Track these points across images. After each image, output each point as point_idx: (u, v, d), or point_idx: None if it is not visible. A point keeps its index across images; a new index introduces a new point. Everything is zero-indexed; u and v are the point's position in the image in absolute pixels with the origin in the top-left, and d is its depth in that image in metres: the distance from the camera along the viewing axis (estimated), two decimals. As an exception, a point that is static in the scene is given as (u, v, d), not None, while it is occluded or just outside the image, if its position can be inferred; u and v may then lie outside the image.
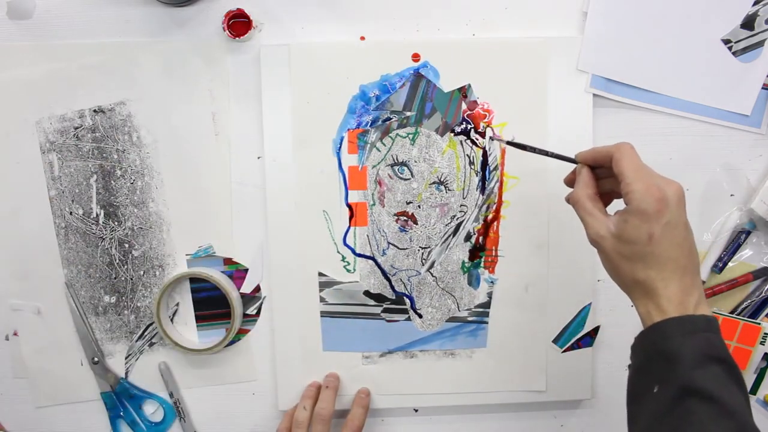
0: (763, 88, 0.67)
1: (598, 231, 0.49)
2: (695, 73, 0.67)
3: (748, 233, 0.68)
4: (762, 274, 0.69)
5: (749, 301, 0.69)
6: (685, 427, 0.42)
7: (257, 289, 0.69)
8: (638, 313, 0.48)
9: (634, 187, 0.46)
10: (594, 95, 0.67)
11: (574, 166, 0.55)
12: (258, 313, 0.69)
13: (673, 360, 0.44)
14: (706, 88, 0.67)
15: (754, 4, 0.65)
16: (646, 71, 0.66)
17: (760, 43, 0.66)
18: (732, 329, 0.68)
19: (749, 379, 0.69)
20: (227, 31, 0.64)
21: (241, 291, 0.69)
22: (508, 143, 0.61)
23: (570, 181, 0.55)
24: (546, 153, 0.58)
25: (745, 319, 0.68)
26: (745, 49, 0.66)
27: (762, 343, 0.68)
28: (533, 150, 0.58)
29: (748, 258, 0.69)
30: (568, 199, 0.53)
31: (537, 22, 0.67)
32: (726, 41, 0.66)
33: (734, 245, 0.68)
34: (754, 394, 0.70)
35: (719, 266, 0.68)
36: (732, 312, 0.69)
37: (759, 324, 0.68)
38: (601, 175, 0.53)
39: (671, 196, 0.46)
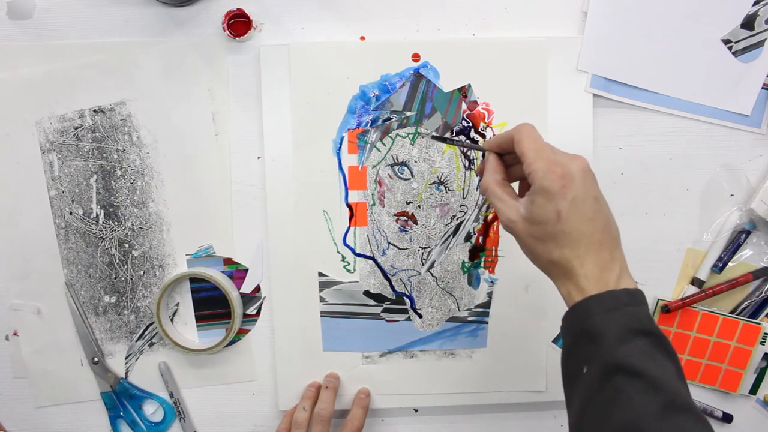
0: (763, 88, 0.67)
1: (508, 216, 0.47)
2: (695, 73, 0.67)
3: (748, 233, 0.68)
4: (762, 274, 0.69)
5: (749, 301, 0.69)
6: (613, 406, 0.41)
7: (257, 289, 0.69)
8: (560, 294, 0.47)
9: (535, 167, 0.45)
10: (594, 95, 0.67)
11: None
12: (258, 313, 0.69)
13: (597, 338, 0.43)
14: (706, 88, 0.67)
15: (754, 4, 0.65)
16: (646, 71, 0.66)
17: (760, 43, 0.66)
18: (732, 329, 0.68)
19: (749, 379, 0.69)
20: (227, 31, 0.64)
21: (241, 291, 0.69)
22: (433, 137, 0.64)
23: (481, 171, 0.54)
24: (461, 143, 0.59)
25: (745, 319, 0.68)
26: (745, 49, 0.66)
27: (762, 343, 0.68)
28: (452, 142, 0.59)
29: (748, 258, 0.69)
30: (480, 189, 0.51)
31: (537, 22, 0.67)
32: (726, 41, 0.66)
33: (734, 245, 0.68)
34: (754, 394, 0.70)
35: (719, 266, 0.68)
36: (732, 312, 0.69)
37: (759, 324, 0.68)
38: (512, 162, 0.52)
39: (575, 171, 0.44)
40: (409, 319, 0.69)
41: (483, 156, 0.55)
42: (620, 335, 0.42)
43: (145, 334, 0.70)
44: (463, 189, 0.67)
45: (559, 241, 0.45)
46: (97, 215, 0.68)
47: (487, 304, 0.69)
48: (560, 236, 0.45)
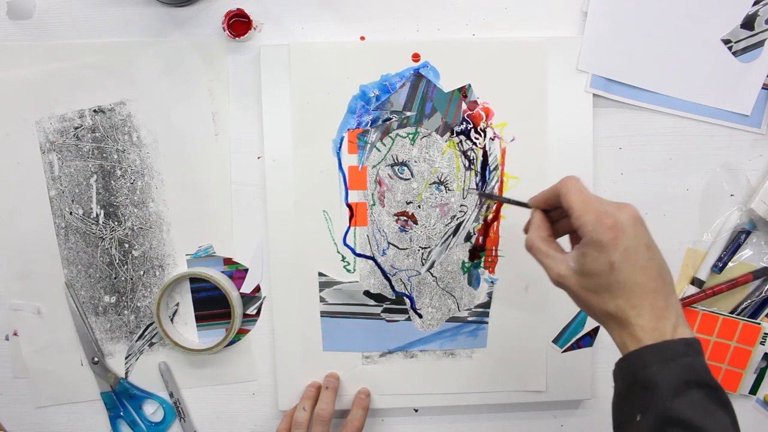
0: (763, 88, 0.67)
1: (558, 271, 0.47)
2: (695, 73, 0.67)
3: (748, 233, 0.68)
4: (762, 274, 0.69)
5: (749, 301, 0.69)
6: None
7: (257, 289, 0.69)
8: (615, 343, 0.46)
9: (584, 219, 0.45)
10: (594, 95, 0.67)
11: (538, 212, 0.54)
12: (258, 313, 0.69)
13: (652, 389, 0.42)
14: (706, 88, 0.67)
15: (754, 4, 0.65)
16: (646, 71, 0.66)
17: (760, 43, 0.66)
18: (732, 329, 0.68)
19: (749, 379, 0.69)
20: (227, 31, 0.64)
21: (241, 291, 0.69)
22: (480, 195, 0.66)
23: (527, 229, 0.54)
24: (508, 200, 0.58)
25: (745, 319, 0.68)
26: (745, 49, 0.66)
27: (762, 343, 0.68)
28: (498, 198, 0.64)
29: (748, 258, 0.69)
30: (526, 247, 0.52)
31: (537, 22, 0.67)
32: (726, 41, 0.66)
33: (734, 245, 0.68)
34: (754, 394, 0.70)
35: (719, 266, 0.68)
36: (732, 312, 0.69)
37: (759, 324, 0.68)
38: (557, 217, 0.53)
39: (625, 220, 0.45)
40: (409, 319, 0.69)
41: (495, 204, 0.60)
42: (676, 387, 0.42)
43: (145, 334, 0.70)
44: (463, 189, 0.67)
45: (613, 292, 0.45)
46: (97, 215, 0.68)
47: (487, 304, 0.69)
48: (614, 287, 0.44)
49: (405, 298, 0.69)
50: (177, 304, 0.69)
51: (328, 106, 0.66)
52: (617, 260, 0.44)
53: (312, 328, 0.68)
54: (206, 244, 0.69)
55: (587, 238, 0.45)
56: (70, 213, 0.68)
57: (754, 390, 0.70)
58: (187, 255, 0.69)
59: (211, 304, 0.69)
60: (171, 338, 0.67)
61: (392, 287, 0.69)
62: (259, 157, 0.68)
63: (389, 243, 0.68)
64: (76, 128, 0.67)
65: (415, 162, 0.67)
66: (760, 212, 0.67)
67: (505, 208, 0.67)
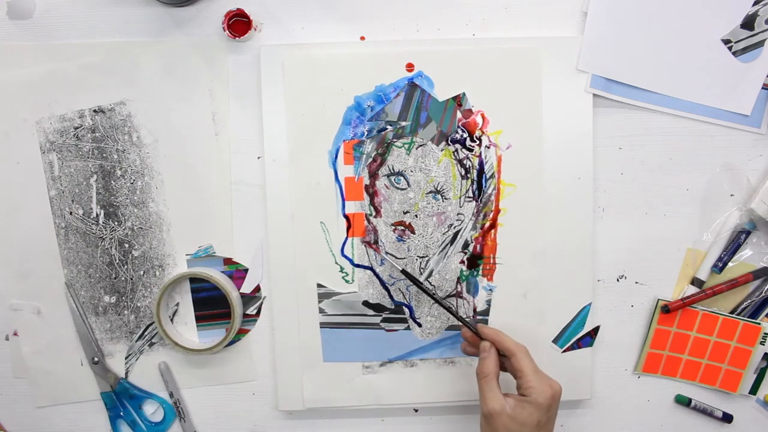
0: (763, 88, 0.67)
1: (494, 406, 0.57)
2: (695, 73, 0.67)
3: (748, 233, 0.68)
4: (762, 274, 0.69)
5: (749, 301, 0.69)
6: None
7: (257, 289, 0.69)
8: None
9: (533, 384, 0.57)
10: (594, 95, 0.67)
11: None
12: (258, 313, 0.69)
13: None
14: (706, 88, 0.67)
15: (754, 4, 0.65)
16: (646, 71, 0.66)
17: (760, 43, 0.66)
18: (732, 329, 0.68)
19: (749, 379, 0.69)
20: (227, 31, 0.64)
21: (241, 291, 0.69)
22: (402, 271, 0.66)
23: (470, 343, 0.64)
24: (462, 320, 0.64)
25: (745, 319, 0.68)
26: (745, 49, 0.66)
27: (762, 343, 0.68)
28: (432, 298, 0.65)
29: (748, 258, 0.69)
30: (477, 371, 0.60)
31: (537, 22, 0.67)
32: (726, 41, 0.66)
33: (734, 245, 0.68)
34: (754, 394, 0.70)
35: (719, 266, 0.68)
36: (732, 312, 0.69)
37: (759, 324, 0.68)
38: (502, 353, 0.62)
39: (557, 393, 0.58)
40: (408, 328, 0.69)
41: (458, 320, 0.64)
42: None
43: (145, 334, 0.70)
44: (460, 198, 0.67)
45: None
46: (97, 215, 0.68)
47: (486, 312, 0.68)
48: None
49: (404, 307, 0.69)
50: (177, 304, 0.69)
51: (323, 117, 0.66)
52: (543, 421, 0.57)
53: (312, 339, 0.68)
54: (206, 244, 0.69)
55: (531, 398, 0.57)
56: (70, 213, 0.68)
57: (754, 390, 0.70)
58: (187, 255, 0.69)
59: (211, 304, 0.69)
60: (171, 338, 0.67)
61: (391, 297, 0.68)
62: (259, 157, 0.68)
63: (387, 253, 0.68)
64: (76, 128, 0.67)
65: (411, 172, 0.67)
66: (760, 212, 0.67)
67: (503, 215, 0.67)
